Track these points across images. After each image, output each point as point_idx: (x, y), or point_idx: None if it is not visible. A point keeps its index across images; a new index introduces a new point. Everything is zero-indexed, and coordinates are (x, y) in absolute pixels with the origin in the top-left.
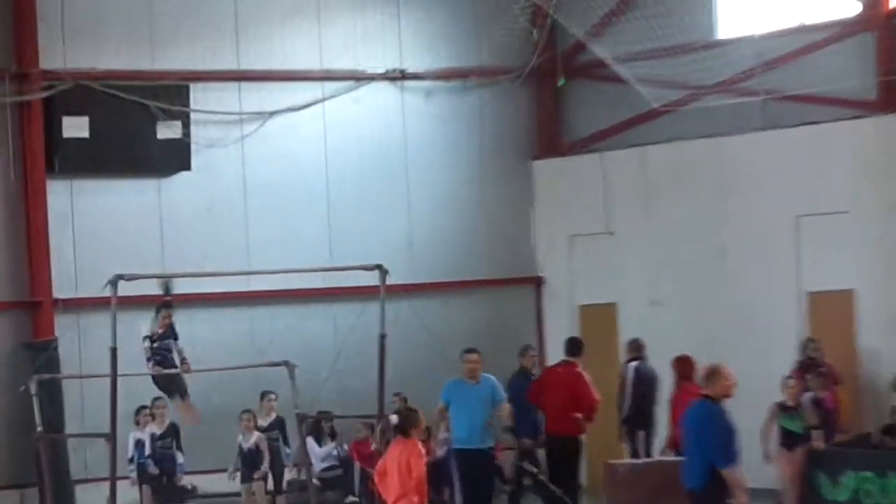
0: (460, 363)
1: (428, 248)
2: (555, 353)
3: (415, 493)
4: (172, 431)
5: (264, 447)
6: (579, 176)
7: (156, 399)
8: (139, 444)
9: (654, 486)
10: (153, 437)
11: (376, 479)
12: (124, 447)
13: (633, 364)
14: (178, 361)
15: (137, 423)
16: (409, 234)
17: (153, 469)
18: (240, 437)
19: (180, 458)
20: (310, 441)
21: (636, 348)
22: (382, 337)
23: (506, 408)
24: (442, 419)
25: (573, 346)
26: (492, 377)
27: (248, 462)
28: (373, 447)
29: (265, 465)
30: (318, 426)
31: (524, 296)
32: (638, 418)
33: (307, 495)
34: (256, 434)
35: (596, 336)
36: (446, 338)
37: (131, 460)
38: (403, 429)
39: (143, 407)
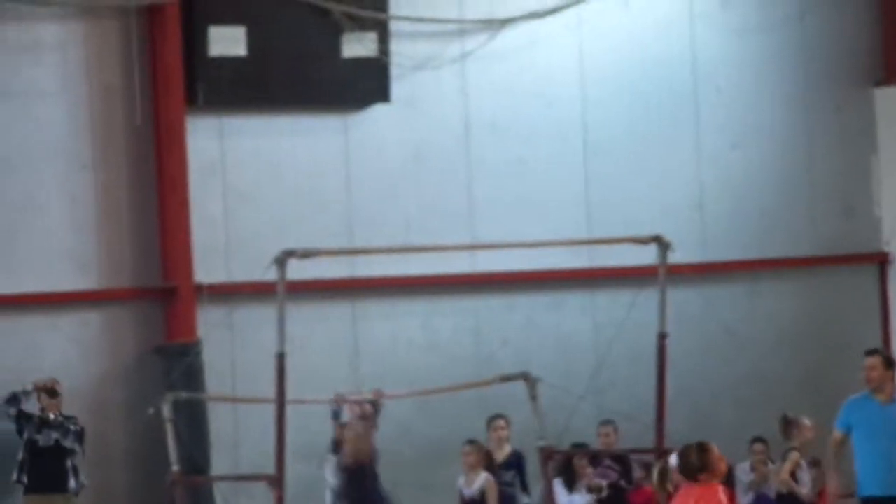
0: None
1: (726, 212)
2: None
3: None
4: None
5: (494, 493)
6: None
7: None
8: None
9: None
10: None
11: None
12: (299, 492)
13: None
14: None
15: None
16: (698, 193)
17: None
18: (460, 480)
19: None
20: (558, 486)
21: None
22: (662, 337)
23: None
24: (836, 455)
25: None
26: None
27: None
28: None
29: None
30: (571, 465)
31: (864, 280)
32: None
33: None
34: (484, 476)
35: None
36: (752, 338)
37: None
38: (689, 472)
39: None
